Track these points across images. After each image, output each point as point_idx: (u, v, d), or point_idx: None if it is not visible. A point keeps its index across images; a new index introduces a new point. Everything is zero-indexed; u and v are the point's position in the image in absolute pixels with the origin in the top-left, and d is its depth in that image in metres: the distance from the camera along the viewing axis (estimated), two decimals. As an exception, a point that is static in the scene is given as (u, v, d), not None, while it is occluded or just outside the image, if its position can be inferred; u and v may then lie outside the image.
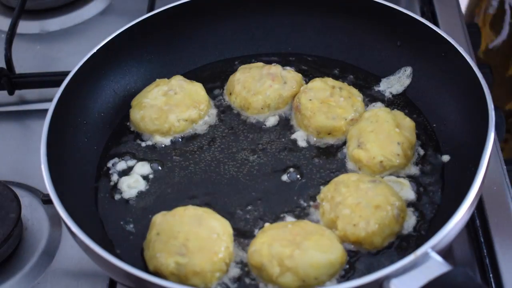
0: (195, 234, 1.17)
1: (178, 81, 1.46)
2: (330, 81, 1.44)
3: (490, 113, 1.21)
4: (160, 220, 1.21)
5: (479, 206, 1.35)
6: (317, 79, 1.45)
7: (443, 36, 1.38)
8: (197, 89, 1.45)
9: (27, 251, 1.35)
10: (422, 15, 1.80)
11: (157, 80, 1.48)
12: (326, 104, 1.38)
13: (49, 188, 1.18)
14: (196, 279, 1.15)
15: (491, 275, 1.26)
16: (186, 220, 1.19)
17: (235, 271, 1.18)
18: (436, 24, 1.75)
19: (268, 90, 1.43)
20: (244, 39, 1.58)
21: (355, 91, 1.43)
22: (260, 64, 1.50)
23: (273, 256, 1.14)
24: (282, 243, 1.15)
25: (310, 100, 1.39)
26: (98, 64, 1.44)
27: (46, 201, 1.35)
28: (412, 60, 1.46)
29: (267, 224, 1.23)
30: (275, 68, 1.47)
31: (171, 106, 1.41)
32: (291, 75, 1.47)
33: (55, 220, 1.40)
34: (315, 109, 1.37)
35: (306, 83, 1.46)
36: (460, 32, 1.74)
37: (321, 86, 1.42)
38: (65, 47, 1.85)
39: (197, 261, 1.14)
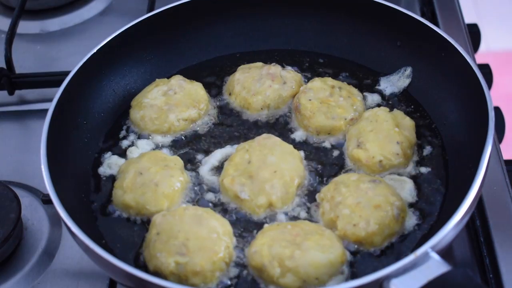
0: (195, 233, 1.17)
1: (177, 81, 1.46)
2: (329, 80, 1.44)
3: (490, 113, 1.21)
4: (160, 220, 1.21)
5: (479, 206, 1.35)
6: (316, 79, 1.45)
7: (443, 36, 1.38)
8: (197, 89, 1.45)
9: (27, 251, 1.35)
10: (422, 15, 1.80)
11: (157, 80, 1.48)
12: (325, 104, 1.38)
13: (49, 188, 1.18)
14: (196, 279, 1.15)
15: (491, 275, 1.26)
16: (186, 219, 1.19)
17: (235, 271, 1.18)
18: (436, 24, 1.75)
19: (268, 90, 1.43)
20: (244, 38, 1.58)
21: (354, 90, 1.43)
22: (259, 64, 1.50)
23: (273, 257, 1.14)
24: (282, 243, 1.15)
25: (310, 100, 1.39)
26: (98, 64, 1.44)
27: (46, 201, 1.35)
28: (412, 60, 1.46)
29: (266, 225, 1.23)
30: (275, 68, 1.47)
31: (171, 105, 1.41)
32: (290, 75, 1.46)
33: (55, 220, 1.40)
34: (315, 109, 1.37)
35: (306, 82, 1.47)
36: (460, 32, 1.74)
37: (321, 86, 1.42)
38: (65, 47, 1.85)
39: (197, 261, 1.14)
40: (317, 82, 1.43)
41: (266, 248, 1.15)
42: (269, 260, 1.14)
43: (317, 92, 1.40)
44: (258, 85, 1.44)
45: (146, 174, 1.27)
